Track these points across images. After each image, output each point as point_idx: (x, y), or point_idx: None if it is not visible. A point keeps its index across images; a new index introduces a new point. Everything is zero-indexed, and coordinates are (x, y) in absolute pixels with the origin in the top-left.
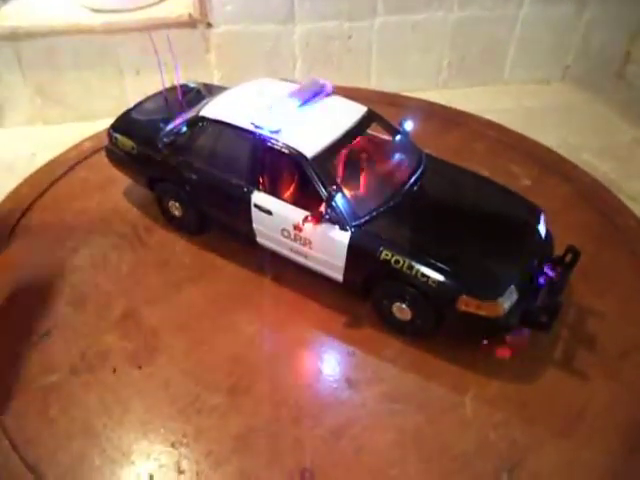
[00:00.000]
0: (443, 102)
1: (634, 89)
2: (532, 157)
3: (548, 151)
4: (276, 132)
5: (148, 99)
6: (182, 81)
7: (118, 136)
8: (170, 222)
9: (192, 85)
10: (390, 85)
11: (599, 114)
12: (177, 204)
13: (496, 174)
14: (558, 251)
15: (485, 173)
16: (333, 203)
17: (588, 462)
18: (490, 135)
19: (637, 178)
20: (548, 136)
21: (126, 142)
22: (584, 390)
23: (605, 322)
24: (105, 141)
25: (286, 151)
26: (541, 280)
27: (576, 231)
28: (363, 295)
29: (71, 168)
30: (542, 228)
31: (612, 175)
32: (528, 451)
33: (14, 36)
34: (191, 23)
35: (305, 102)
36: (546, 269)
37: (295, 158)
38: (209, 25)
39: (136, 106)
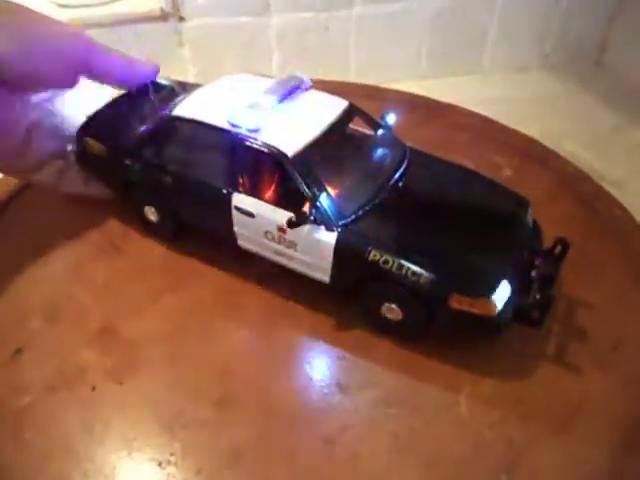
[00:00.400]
0: (424, 93)
1: (613, 76)
2: (514, 147)
3: (530, 141)
4: (255, 131)
5: (119, 98)
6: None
7: (88, 139)
8: (147, 228)
9: (165, 83)
10: (370, 77)
11: (579, 102)
12: (153, 209)
13: (478, 165)
14: (545, 243)
15: (468, 164)
16: (318, 203)
17: (587, 458)
18: (472, 126)
19: (618, 165)
20: (528, 125)
21: (96, 145)
22: (579, 384)
23: (596, 313)
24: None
25: (266, 150)
26: (532, 273)
27: (561, 222)
28: (352, 296)
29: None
30: (530, 220)
31: (593, 163)
32: (525, 449)
33: None
34: (162, 17)
35: (283, 98)
36: (536, 262)
37: (276, 157)
38: (181, 19)
39: (106, 106)
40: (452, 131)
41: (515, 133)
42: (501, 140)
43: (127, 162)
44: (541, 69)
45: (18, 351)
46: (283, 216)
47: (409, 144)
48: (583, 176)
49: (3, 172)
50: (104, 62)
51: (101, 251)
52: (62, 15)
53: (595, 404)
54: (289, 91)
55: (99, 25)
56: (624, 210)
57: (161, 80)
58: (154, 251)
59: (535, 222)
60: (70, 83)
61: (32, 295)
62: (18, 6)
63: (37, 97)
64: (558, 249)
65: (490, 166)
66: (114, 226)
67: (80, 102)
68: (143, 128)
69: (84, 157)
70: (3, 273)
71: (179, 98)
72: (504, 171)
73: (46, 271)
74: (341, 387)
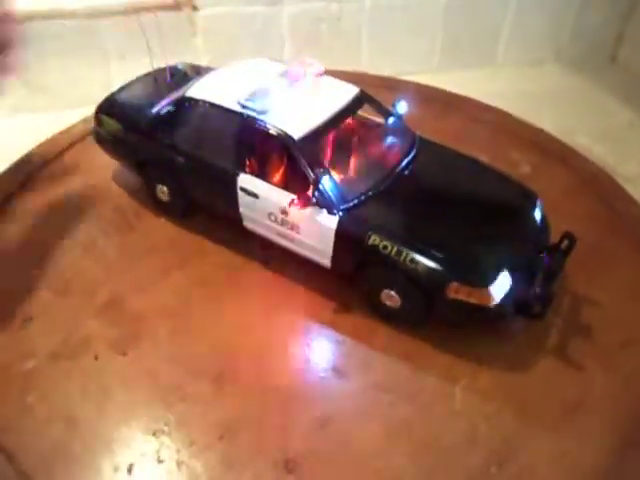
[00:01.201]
0: (436, 85)
1: (628, 71)
2: (532, 143)
3: (549, 137)
4: (263, 113)
5: (136, 81)
6: (171, 63)
7: (104, 118)
8: (158, 206)
9: (181, 67)
10: (381, 68)
11: (593, 96)
12: (164, 188)
13: (496, 160)
14: (558, 238)
15: (484, 159)
16: (320, 186)
17: (582, 456)
18: (490, 120)
19: (632, 160)
20: (542, 119)
21: (112, 124)
22: (580, 382)
23: (604, 312)
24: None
25: (273, 132)
26: (535, 267)
27: (577, 219)
28: (352, 281)
29: (61, 152)
30: (538, 214)
31: (607, 157)
32: (520, 444)
33: None
34: (176, 6)
35: (294, 82)
36: (541, 256)
37: (282, 139)
38: (195, 8)
39: (123, 88)
40: (470, 125)
41: (533, 129)
42: (519, 135)
43: (141, 141)
44: (555, 63)
45: (28, 319)
46: (287, 198)
47: (426, 135)
48: (602, 174)
49: None
50: None
51: (114, 228)
52: (76, 4)
53: (595, 402)
54: (301, 76)
55: (113, 14)
56: None
57: (177, 64)
58: (165, 229)
59: (544, 217)
60: None
61: (45, 267)
62: None
63: None
64: (565, 244)
65: (508, 162)
66: (129, 204)
67: None
68: (157, 109)
69: (101, 135)
70: (20, 247)
71: (192, 80)
72: (522, 167)
73: (61, 245)
74: (338, 371)
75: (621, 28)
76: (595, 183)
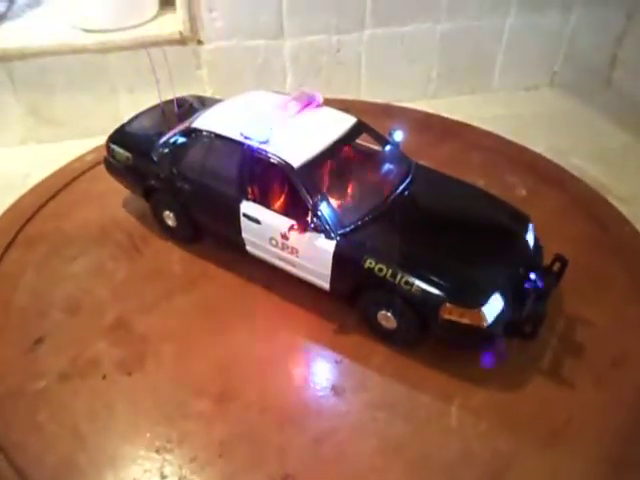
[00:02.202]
0: (433, 111)
1: (622, 93)
2: (528, 167)
3: (544, 160)
4: (265, 142)
5: (145, 112)
6: (178, 95)
7: (115, 148)
8: (165, 232)
9: (188, 98)
10: (380, 96)
11: (588, 119)
12: (171, 214)
13: (492, 184)
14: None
15: (480, 183)
16: (318, 212)
17: (573, 473)
18: (486, 145)
19: (626, 181)
20: (537, 142)
21: (122, 153)
22: (572, 400)
23: (596, 331)
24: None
25: (274, 161)
26: (527, 289)
27: (571, 241)
28: (350, 303)
29: (73, 180)
30: (530, 237)
31: (602, 178)
32: (512, 461)
33: (6, 57)
34: (182, 40)
35: (295, 113)
36: (533, 278)
37: (282, 168)
38: (200, 42)
39: (133, 119)
40: (467, 151)
41: (529, 152)
42: (515, 160)
43: (149, 169)
44: (550, 87)
45: (39, 340)
46: (287, 223)
47: (423, 162)
48: (596, 195)
49: None
50: None
51: (123, 252)
52: (87, 39)
53: (585, 419)
54: (301, 107)
55: (122, 49)
56: (634, 231)
57: (185, 96)
58: (171, 254)
59: (537, 239)
60: None
61: (56, 289)
62: None
63: None
64: (557, 266)
65: (504, 186)
66: (136, 229)
67: None
68: (165, 138)
69: (111, 163)
70: (31, 270)
71: (199, 112)
72: (518, 191)
73: (71, 268)
74: (335, 390)
75: (615, 51)
76: (589, 205)
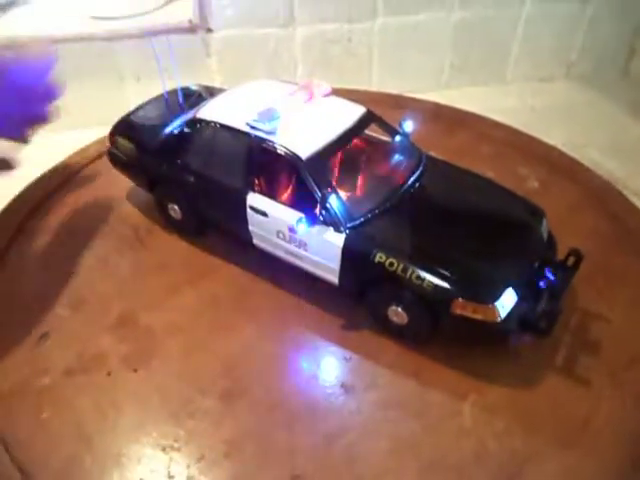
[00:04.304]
0: (445, 102)
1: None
2: (540, 159)
3: (557, 152)
4: (272, 133)
5: (149, 102)
6: (184, 85)
7: (119, 139)
8: (170, 225)
9: (194, 88)
10: (392, 87)
11: (604, 111)
12: (176, 207)
13: (503, 176)
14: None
15: (492, 175)
16: (327, 205)
17: (591, 474)
18: (498, 136)
19: None
20: (553, 134)
21: (126, 145)
22: (588, 399)
23: (613, 329)
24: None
25: (281, 152)
26: (542, 284)
27: (585, 235)
28: (360, 298)
29: (76, 172)
30: (544, 231)
31: (618, 172)
32: (528, 461)
33: (14, 44)
34: (191, 29)
35: (303, 103)
36: (547, 272)
37: (290, 159)
38: (209, 30)
39: (137, 109)
40: (478, 141)
41: (541, 144)
42: (527, 151)
43: (153, 161)
44: (566, 79)
45: (44, 335)
46: (295, 216)
47: (433, 153)
48: (611, 188)
49: None
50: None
51: (127, 245)
52: (96, 27)
53: (603, 420)
54: (309, 96)
55: (130, 36)
56: None
57: (190, 85)
58: (176, 247)
59: (550, 233)
60: None
61: (61, 284)
62: None
63: None
64: (571, 260)
65: (516, 177)
66: (141, 222)
67: None
68: (169, 129)
69: (115, 155)
70: (35, 264)
71: (204, 101)
72: (530, 183)
73: (76, 263)
74: (345, 387)
75: (632, 41)
76: (604, 198)
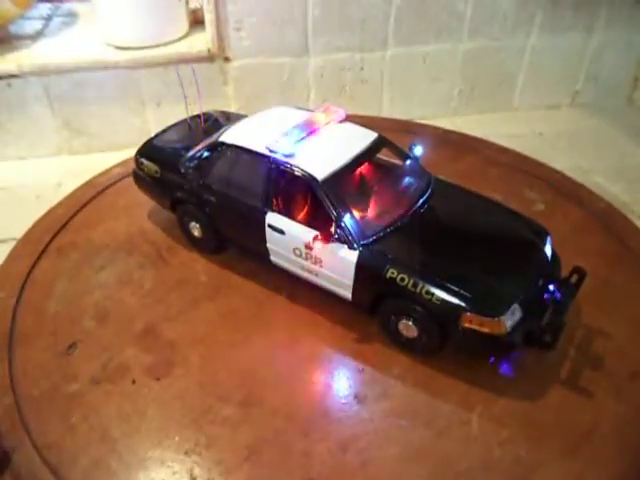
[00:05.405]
0: (454, 129)
1: None
2: (546, 182)
3: (562, 176)
4: (290, 156)
5: (172, 126)
6: (203, 111)
7: (144, 161)
8: (191, 242)
9: (213, 114)
10: (401, 114)
11: (609, 138)
12: (197, 225)
13: (510, 199)
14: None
15: (498, 198)
16: (342, 223)
17: None
18: (504, 161)
19: None
20: (559, 160)
21: (151, 166)
22: (592, 410)
23: (615, 343)
24: (132, 167)
25: (299, 174)
26: (546, 300)
27: (589, 255)
28: (372, 313)
29: (101, 192)
30: (548, 249)
31: (623, 197)
32: (533, 469)
33: (43, 72)
34: (210, 58)
35: (318, 128)
36: (552, 289)
37: (307, 181)
38: (227, 59)
39: (161, 133)
40: (485, 166)
41: (547, 168)
42: (534, 175)
43: (177, 182)
44: (572, 107)
45: (72, 345)
46: (311, 234)
47: (441, 176)
48: (614, 211)
49: None
50: None
51: (149, 262)
52: (119, 56)
53: (606, 431)
54: (324, 122)
55: (152, 65)
56: None
57: (210, 111)
58: (197, 264)
59: (554, 252)
60: None
61: (88, 298)
62: None
63: None
64: (574, 277)
65: (522, 200)
66: (163, 240)
67: None
68: (192, 152)
69: (139, 176)
70: (64, 277)
71: (225, 126)
72: (536, 205)
73: (101, 278)
74: (358, 397)
75: (636, 71)
76: (608, 220)
